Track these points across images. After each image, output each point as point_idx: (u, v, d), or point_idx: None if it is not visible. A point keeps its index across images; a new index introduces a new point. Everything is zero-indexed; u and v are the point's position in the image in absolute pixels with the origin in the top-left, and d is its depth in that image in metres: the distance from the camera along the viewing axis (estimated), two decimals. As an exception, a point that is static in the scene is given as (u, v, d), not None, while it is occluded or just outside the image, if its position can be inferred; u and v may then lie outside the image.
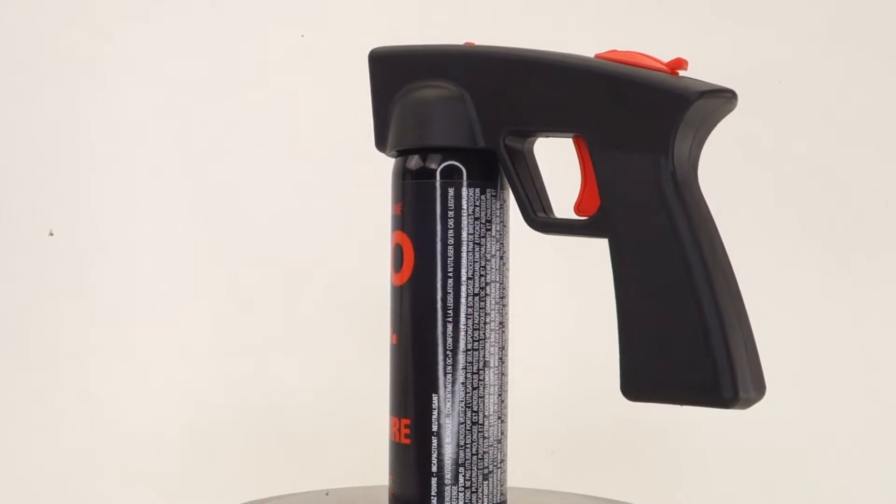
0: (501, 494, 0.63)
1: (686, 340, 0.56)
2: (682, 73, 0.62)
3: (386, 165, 0.64)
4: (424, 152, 0.62)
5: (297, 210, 1.05)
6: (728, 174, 1.07)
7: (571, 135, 0.60)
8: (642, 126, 0.58)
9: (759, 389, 0.57)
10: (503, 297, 0.62)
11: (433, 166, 0.61)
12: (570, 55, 0.60)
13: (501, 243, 0.62)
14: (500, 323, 0.62)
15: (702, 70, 1.08)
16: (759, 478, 1.04)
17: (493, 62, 0.61)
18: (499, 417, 0.62)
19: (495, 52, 0.62)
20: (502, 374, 0.63)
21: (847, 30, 1.08)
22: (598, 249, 1.07)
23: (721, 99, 0.60)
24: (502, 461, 0.63)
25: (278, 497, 0.72)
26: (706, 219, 0.58)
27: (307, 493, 0.74)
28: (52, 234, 1.02)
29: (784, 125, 1.07)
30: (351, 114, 1.00)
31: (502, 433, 0.63)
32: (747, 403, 0.56)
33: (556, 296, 1.07)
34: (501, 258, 0.62)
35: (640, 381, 0.58)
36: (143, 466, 1.02)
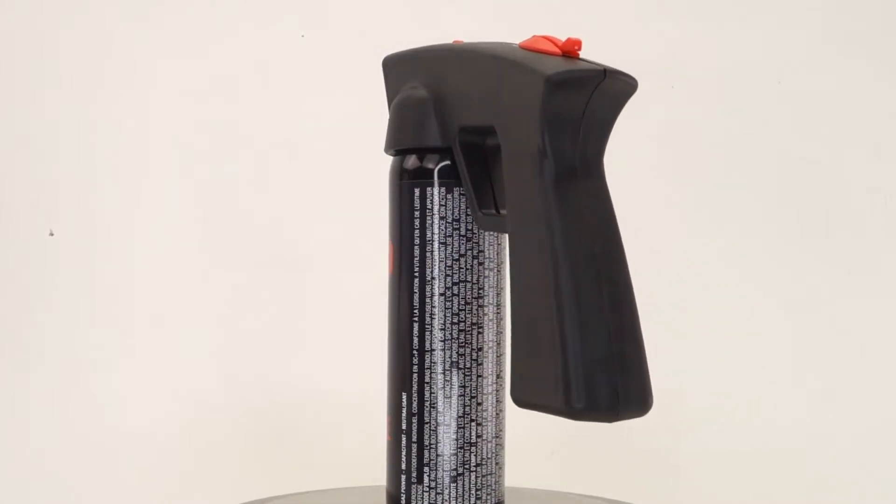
0: (477, 499, 0.62)
1: (539, 347, 0.54)
2: (610, 63, 0.59)
3: (385, 164, 0.64)
4: (401, 154, 0.63)
5: (297, 210, 1.05)
6: (727, 174, 1.07)
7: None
8: (517, 113, 0.56)
9: (612, 404, 0.54)
10: (478, 297, 0.62)
11: (406, 167, 0.62)
12: (494, 46, 0.60)
13: (475, 242, 0.62)
14: (474, 324, 0.61)
15: (700, 68, 1.08)
16: (758, 478, 1.04)
17: (439, 60, 0.61)
18: (472, 420, 0.62)
19: (439, 50, 0.62)
20: (478, 375, 0.62)
21: (847, 29, 1.08)
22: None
23: (585, 85, 0.56)
24: (478, 465, 0.62)
25: (278, 497, 0.72)
26: (582, 219, 0.55)
27: (308, 493, 0.74)
28: (52, 234, 1.02)
29: (782, 125, 1.07)
30: (352, 113, 1.01)
31: (478, 436, 0.62)
32: (594, 417, 0.53)
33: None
34: (476, 258, 0.62)
35: (517, 387, 0.56)
36: (143, 466, 1.02)
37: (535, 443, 1.02)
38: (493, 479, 0.62)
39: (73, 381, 1.03)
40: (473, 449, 0.62)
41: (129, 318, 1.04)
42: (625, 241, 1.05)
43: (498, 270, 0.62)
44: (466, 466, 0.62)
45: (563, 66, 0.55)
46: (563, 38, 0.57)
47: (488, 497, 0.62)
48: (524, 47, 0.58)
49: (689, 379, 1.06)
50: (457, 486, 0.62)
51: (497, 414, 0.62)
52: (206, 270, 1.04)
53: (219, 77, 1.05)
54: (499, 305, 0.62)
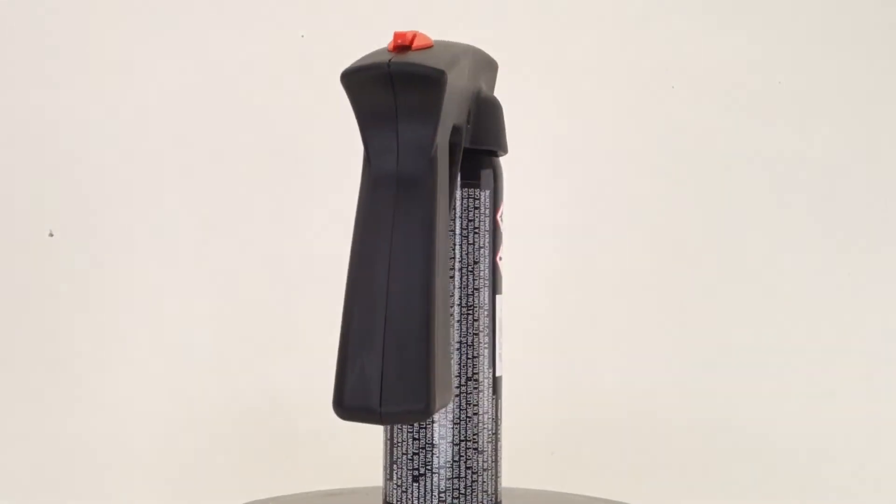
0: (441, 501, 0.62)
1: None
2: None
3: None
4: None
5: (298, 210, 1.05)
6: (727, 174, 1.07)
7: None
8: None
9: (372, 406, 0.52)
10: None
11: None
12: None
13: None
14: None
15: (701, 70, 1.08)
16: (761, 478, 1.04)
17: None
18: (432, 421, 0.61)
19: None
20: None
21: (848, 30, 1.07)
22: (592, 248, 1.07)
23: (373, 78, 0.54)
24: (441, 467, 0.62)
25: (279, 497, 0.72)
26: (380, 224, 0.54)
27: (308, 493, 0.74)
28: (51, 235, 1.02)
29: (783, 124, 1.06)
30: (352, 113, 1.01)
31: (441, 438, 0.62)
32: (356, 417, 0.53)
33: (555, 295, 1.06)
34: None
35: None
36: (143, 466, 1.02)
37: (533, 443, 1.02)
38: (463, 483, 0.62)
39: (72, 381, 1.03)
40: (435, 450, 0.62)
41: (128, 318, 1.04)
42: (624, 241, 1.06)
43: (469, 271, 0.62)
44: (428, 468, 0.62)
45: (360, 60, 0.54)
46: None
47: (455, 500, 0.62)
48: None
49: (692, 378, 1.05)
50: (419, 485, 0.62)
51: (468, 418, 0.62)
52: (206, 270, 1.05)
53: (219, 77, 1.05)
54: (469, 307, 0.62)
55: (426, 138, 0.54)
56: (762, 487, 1.03)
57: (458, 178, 0.61)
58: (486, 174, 0.62)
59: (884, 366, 1.05)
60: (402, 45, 0.55)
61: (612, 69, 1.07)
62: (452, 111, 0.56)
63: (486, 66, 0.65)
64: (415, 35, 0.55)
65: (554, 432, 1.04)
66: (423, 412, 0.52)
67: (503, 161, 0.65)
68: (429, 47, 0.56)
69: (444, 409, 0.61)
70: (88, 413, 1.02)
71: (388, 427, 0.63)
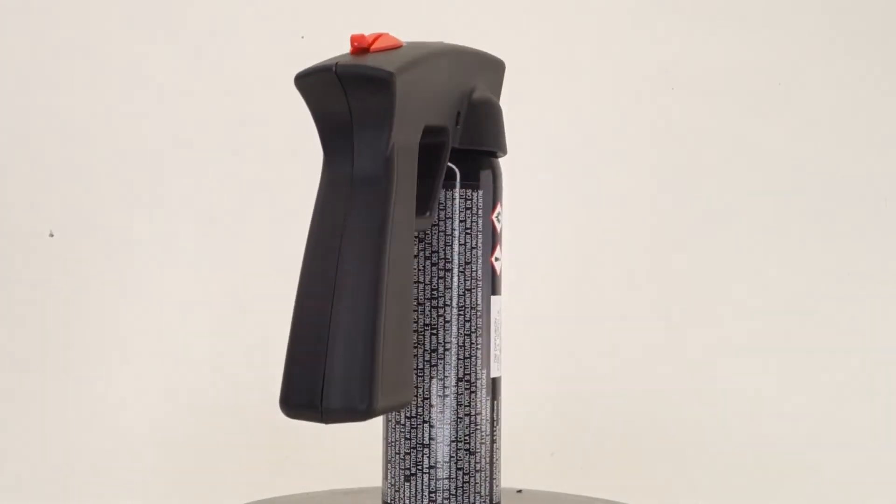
0: (431, 501, 0.62)
1: None
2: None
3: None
4: None
5: (297, 211, 1.05)
6: (726, 175, 1.06)
7: None
8: None
9: (313, 404, 0.53)
10: (432, 298, 0.61)
11: None
12: None
13: (428, 243, 0.61)
14: (427, 325, 0.61)
15: (701, 71, 1.08)
16: (761, 479, 1.03)
17: None
18: (424, 421, 0.61)
19: None
20: (431, 377, 0.61)
21: (847, 30, 1.07)
22: (592, 248, 1.07)
23: (324, 82, 0.54)
24: (432, 467, 0.61)
25: (282, 497, 0.73)
26: (332, 224, 0.54)
27: (310, 493, 0.75)
28: (52, 235, 1.02)
29: (783, 126, 1.06)
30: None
31: (431, 438, 0.61)
32: (299, 415, 0.53)
33: (556, 296, 1.07)
34: (428, 258, 0.61)
35: None
36: (143, 467, 1.02)
37: (535, 443, 1.02)
38: (454, 484, 0.62)
39: (72, 382, 1.03)
40: (426, 451, 0.61)
41: (128, 318, 1.04)
42: (627, 241, 1.06)
43: (461, 272, 0.61)
44: (419, 467, 0.62)
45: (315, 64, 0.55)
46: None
47: (446, 500, 0.62)
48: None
49: (691, 379, 1.05)
50: (410, 485, 0.62)
51: (460, 419, 0.62)
52: (206, 270, 1.05)
53: (219, 78, 1.05)
54: (461, 307, 0.61)
55: (381, 139, 0.54)
56: (763, 487, 1.03)
57: (457, 178, 0.61)
58: (479, 175, 0.62)
59: (885, 365, 1.05)
60: (360, 47, 0.55)
61: (612, 71, 1.07)
62: (419, 112, 0.56)
63: (486, 67, 0.64)
64: (377, 37, 0.56)
65: (554, 433, 1.04)
66: (365, 411, 0.52)
67: (503, 162, 0.65)
68: (393, 48, 0.56)
69: (433, 408, 0.61)
70: (88, 413, 1.02)
71: (384, 426, 0.63)
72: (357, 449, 0.96)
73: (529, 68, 1.02)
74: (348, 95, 0.54)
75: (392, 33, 0.58)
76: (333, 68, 0.53)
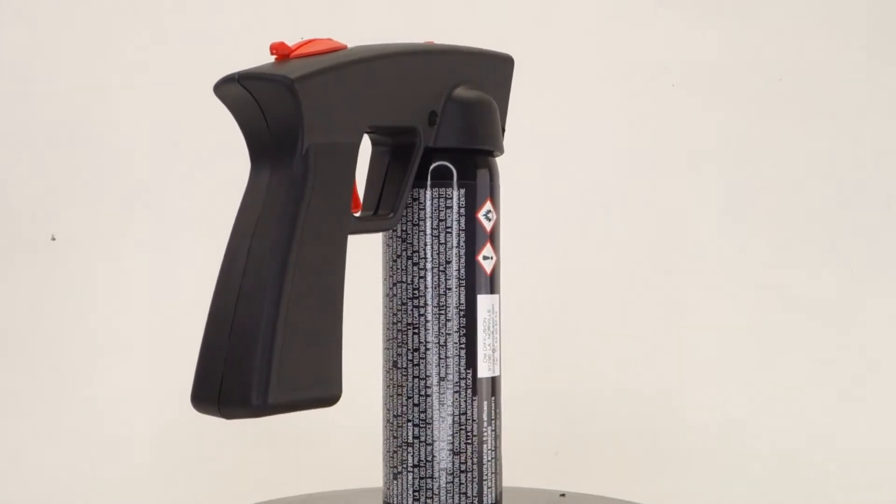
0: (415, 500, 0.62)
1: None
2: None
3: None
4: None
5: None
6: (728, 171, 1.06)
7: None
8: None
9: (212, 398, 0.55)
10: (413, 298, 0.62)
11: None
12: None
13: (409, 243, 0.62)
14: (409, 324, 0.62)
15: (700, 67, 1.07)
16: (764, 478, 1.03)
17: None
18: (408, 420, 0.62)
19: None
20: (415, 376, 0.62)
21: (848, 27, 1.06)
22: (592, 247, 1.07)
23: (238, 88, 0.56)
24: (416, 466, 0.62)
25: (286, 498, 0.73)
26: (245, 225, 0.56)
27: (311, 494, 0.75)
28: (53, 239, 1.03)
29: (784, 123, 1.06)
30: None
31: (415, 437, 0.62)
32: (203, 409, 0.55)
33: (559, 297, 1.06)
34: (410, 258, 0.62)
35: None
36: (144, 466, 1.03)
37: (538, 442, 1.02)
38: (436, 484, 0.62)
39: (73, 382, 1.04)
40: (410, 449, 0.62)
41: (128, 318, 1.04)
42: (628, 237, 1.05)
43: (441, 271, 0.62)
44: (404, 465, 0.62)
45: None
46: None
47: (429, 500, 0.62)
48: None
49: (694, 379, 1.05)
50: (397, 483, 0.62)
51: (441, 419, 0.62)
52: (206, 270, 1.04)
53: (218, 77, 1.05)
54: (441, 307, 0.62)
55: (293, 143, 0.55)
56: (767, 486, 1.03)
57: (428, 178, 0.62)
58: (459, 172, 0.62)
59: (885, 364, 1.05)
60: (283, 54, 0.57)
61: (612, 67, 1.07)
62: (351, 114, 0.57)
63: (480, 65, 0.64)
64: (302, 44, 0.57)
65: (558, 433, 1.04)
66: (260, 407, 0.54)
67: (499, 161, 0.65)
68: (322, 53, 0.57)
69: (417, 407, 0.61)
70: (88, 413, 1.03)
71: (384, 425, 0.63)
72: (358, 449, 0.96)
73: (528, 65, 1.03)
74: (258, 101, 0.56)
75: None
76: (236, 77, 0.56)
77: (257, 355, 0.54)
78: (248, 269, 0.55)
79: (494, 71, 0.65)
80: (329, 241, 0.56)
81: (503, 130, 0.65)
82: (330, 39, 0.58)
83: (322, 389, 0.56)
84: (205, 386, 0.55)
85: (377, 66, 0.58)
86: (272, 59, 0.58)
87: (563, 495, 0.72)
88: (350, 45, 0.60)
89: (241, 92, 0.56)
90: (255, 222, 0.55)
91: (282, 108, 0.55)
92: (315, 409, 0.57)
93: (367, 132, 0.61)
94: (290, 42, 0.59)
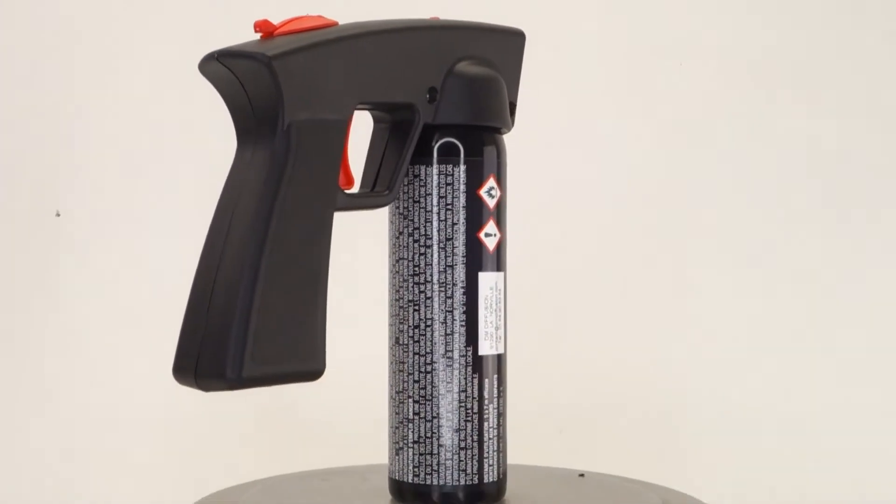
0: (415, 476, 0.62)
1: None
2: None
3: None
4: None
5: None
6: (736, 152, 1.06)
7: None
8: None
9: (187, 369, 0.55)
10: (414, 274, 0.62)
11: None
12: None
13: (411, 220, 0.62)
14: (410, 301, 0.62)
15: (717, 54, 1.07)
16: (768, 457, 1.03)
17: None
18: (408, 396, 0.62)
19: None
20: (415, 353, 0.62)
21: (856, 17, 1.06)
22: (595, 233, 1.06)
23: (219, 66, 0.57)
24: (416, 442, 0.62)
25: (303, 472, 0.73)
26: (227, 202, 0.56)
27: (330, 468, 0.75)
28: (58, 215, 1.03)
29: (791, 103, 1.05)
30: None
31: (415, 413, 0.62)
32: (181, 380, 0.56)
33: (566, 276, 1.06)
34: (411, 235, 0.62)
35: None
36: (145, 452, 1.03)
37: (543, 420, 1.02)
38: (436, 460, 0.62)
39: (75, 372, 1.04)
40: (410, 426, 0.62)
41: (131, 308, 1.04)
42: (635, 218, 1.05)
43: (442, 248, 0.62)
44: (405, 441, 0.62)
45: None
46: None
47: (428, 476, 0.62)
48: None
49: (699, 358, 1.05)
50: (399, 458, 0.63)
51: (441, 395, 0.62)
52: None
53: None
54: (442, 284, 0.62)
55: (273, 120, 0.56)
56: (772, 465, 1.03)
57: (434, 155, 0.62)
58: (463, 149, 0.62)
59: (886, 353, 1.04)
60: (267, 31, 0.57)
61: (620, 48, 1.07)
62: (338, 90, 0.57)
63: (487, 40, 0.64)
64: (287, 21, 0.57)
65: (563, 410, 1.04)
66: (235, 379, 0.54)
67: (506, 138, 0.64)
68: (310, 29, 0.58)
69: (417, 384, 0.61)
70: (90, 403, 1.03)
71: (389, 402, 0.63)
72: (359, 427, 0.96)
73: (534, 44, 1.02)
74: (241, 81, 0.56)
75: (328, 14, 0.59)
76: (215, 55, 0.56)
77: (233, 329, 0.54)
78: (228, 244, 0.55)
79: (504, 46, 0.65)
80: (311, 217, 0.56)
81: (514, 106, 0.64)
82: (320, 16, 0.58)
83: (302, 363, 0.56)
84: (184, 358, 0.55)
85: (365, 43, 0.58)
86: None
87: (581, 475, 0.72)
88: (350, 22, 0.60)
89: (222, 70, 0.56)
90: (236, 198, 0.55)
91: (262, 86, 0.55)
92: (299, 383, 0.57)
93: (363, 109, 0.60)
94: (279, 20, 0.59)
